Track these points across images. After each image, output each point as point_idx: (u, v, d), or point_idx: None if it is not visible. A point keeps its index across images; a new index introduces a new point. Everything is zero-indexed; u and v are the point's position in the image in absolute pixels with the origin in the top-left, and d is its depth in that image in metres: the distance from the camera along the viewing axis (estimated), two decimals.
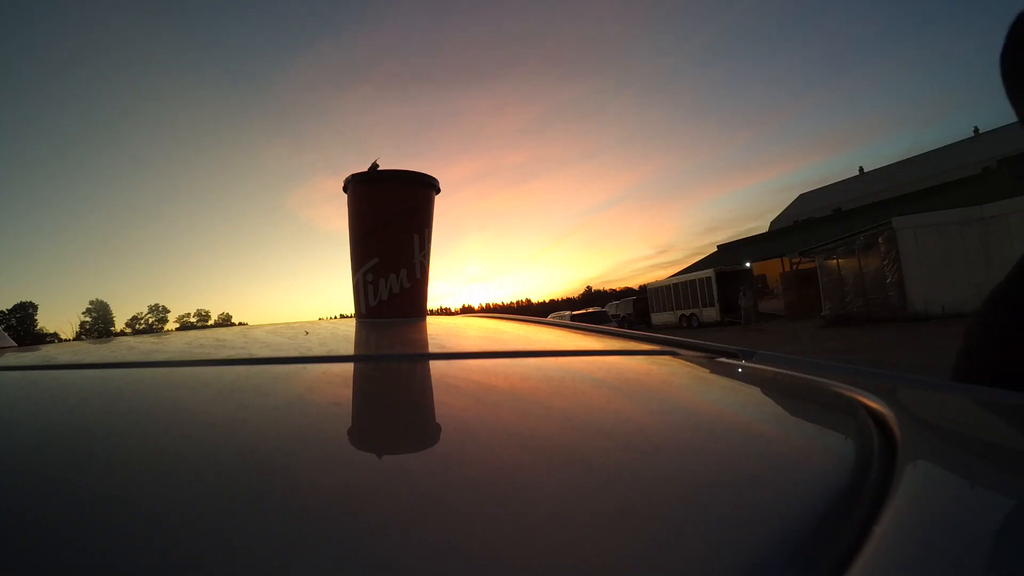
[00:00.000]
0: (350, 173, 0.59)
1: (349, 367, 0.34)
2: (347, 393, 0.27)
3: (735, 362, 0.37)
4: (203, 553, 0.12)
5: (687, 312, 19.75)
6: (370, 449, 0.19)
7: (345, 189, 0.60)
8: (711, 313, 18.39)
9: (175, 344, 0.45)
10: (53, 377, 0.34)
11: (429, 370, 0.34)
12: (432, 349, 0.42)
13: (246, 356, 0.35)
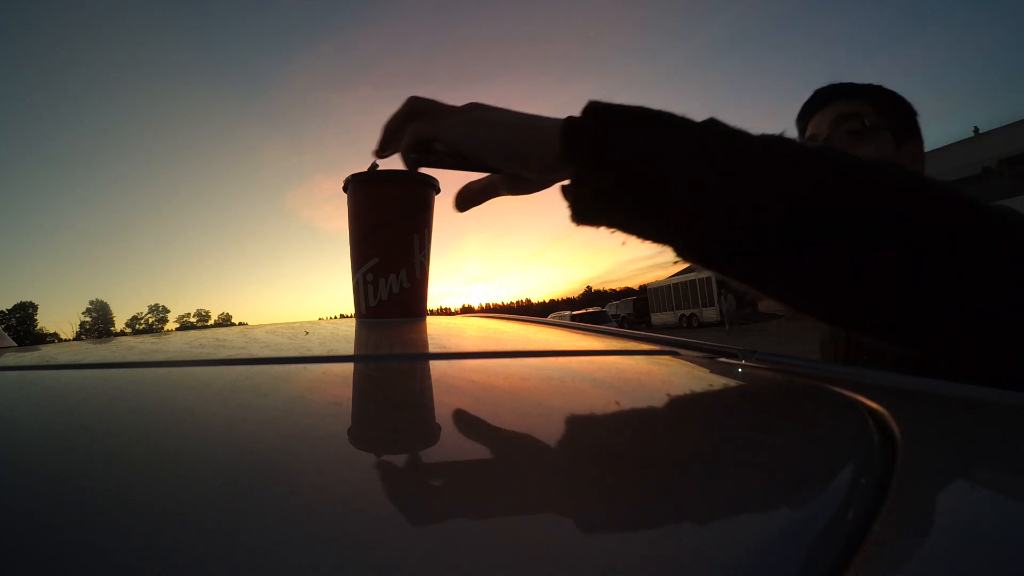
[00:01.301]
0: (350, 173, 0.59)
1: (349, 367, 0.34)
2: (347, 393, 0.27)
3: (735, 362, 0.37)
4: (203, 553, 0.12)
5: (687, 312, 19.75)
6: (370, 449, 0.19)
7: (345, 189, 0.60)
8: (711, 313, 18.41)
9: (175, 344, 0.45)
10: (53, 377, 0.34)
11: (429, 370, 0.34)
12: (432, 349, 0.42)
13: (246, 356, 0.35)
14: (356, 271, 0.57)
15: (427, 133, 0.46)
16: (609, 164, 0.38)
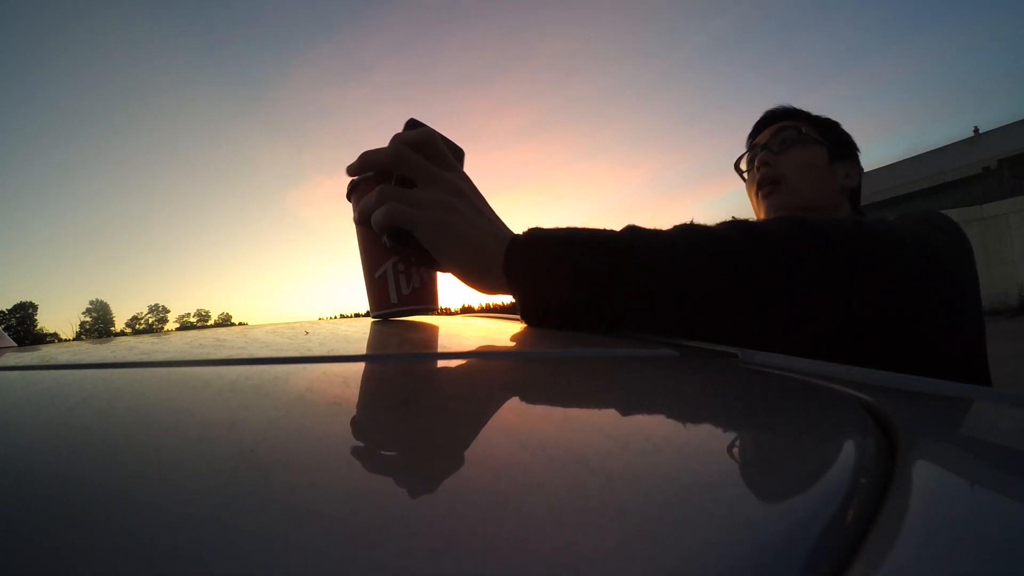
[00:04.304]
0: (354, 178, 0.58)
1: (349, 367, 0.34)
2: (347, 393, 0.27)
3: (735, 362, 0.37)
4: (203, 554, 0.12)
5: None
6: (371, 450, 0.19)
7: (350, 194, 0.59)
8: None
9: (175, 344, 0.45)
10: (53, 377, 0.34)
11: (429, 370, 0.34)
12: (432, 349, 0.42)
13: (246, 356, 0.35)
14: (384, 263, 0.57)
15: (403, 222, 0.48)
16: (543, 293, 0.46)
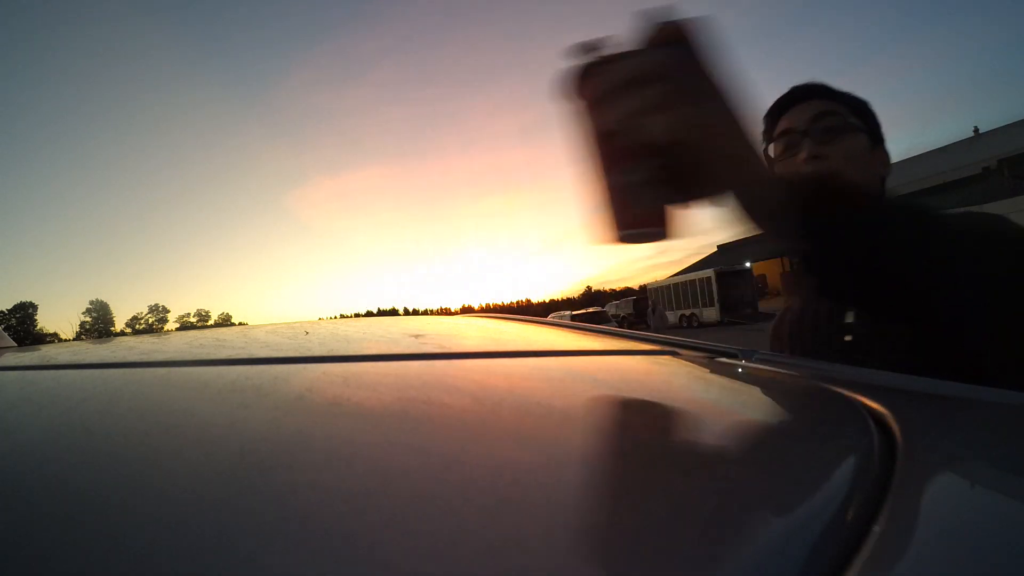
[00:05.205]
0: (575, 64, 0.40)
1: (349, 367, 0.34)
2: (347, 393, 0.27)
3: (735, 362, 0.37)
4: (203, 553, 0.12)
5: (687, 312, 19.75)
6: (370, 449, 0.19)
7: (576, 87, 0.40)
8: (711, 313, 18.41)
9: (175, 344, 0.45)
10: (53, 377, 0.34)
11: (429, 370, 0.34)
12: (432, 349, 0.42)
13: (246, 356, 0.35)
14: (616, 176, 0.40)
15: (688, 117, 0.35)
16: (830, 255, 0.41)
